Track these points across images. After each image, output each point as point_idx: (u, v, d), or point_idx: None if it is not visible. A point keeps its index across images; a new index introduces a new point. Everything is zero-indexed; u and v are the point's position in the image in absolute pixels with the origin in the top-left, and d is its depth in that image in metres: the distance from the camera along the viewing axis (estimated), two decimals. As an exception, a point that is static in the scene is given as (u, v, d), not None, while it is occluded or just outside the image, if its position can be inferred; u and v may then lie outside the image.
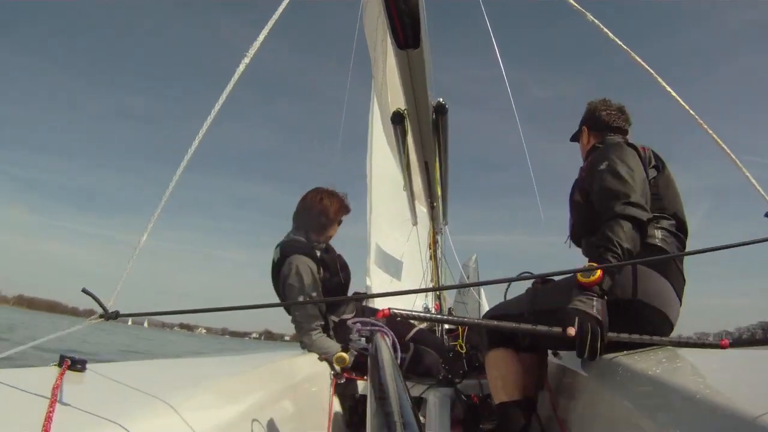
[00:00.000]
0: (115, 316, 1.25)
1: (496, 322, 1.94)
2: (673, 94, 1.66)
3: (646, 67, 1.68)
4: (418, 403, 2.75)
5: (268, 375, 2.00)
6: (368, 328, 1.60)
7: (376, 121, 6.46)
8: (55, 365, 1.17)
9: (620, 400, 1.53)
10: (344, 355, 2.67)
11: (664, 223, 1.97)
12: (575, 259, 2.28)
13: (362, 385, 2.73)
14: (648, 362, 1.63)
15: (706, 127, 1.62)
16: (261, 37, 1.46)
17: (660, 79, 1.65)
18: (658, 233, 1.93)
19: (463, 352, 3.10)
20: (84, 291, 1.25)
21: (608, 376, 1.78)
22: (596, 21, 1.68)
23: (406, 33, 1.66)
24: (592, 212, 1.99)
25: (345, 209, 3.08)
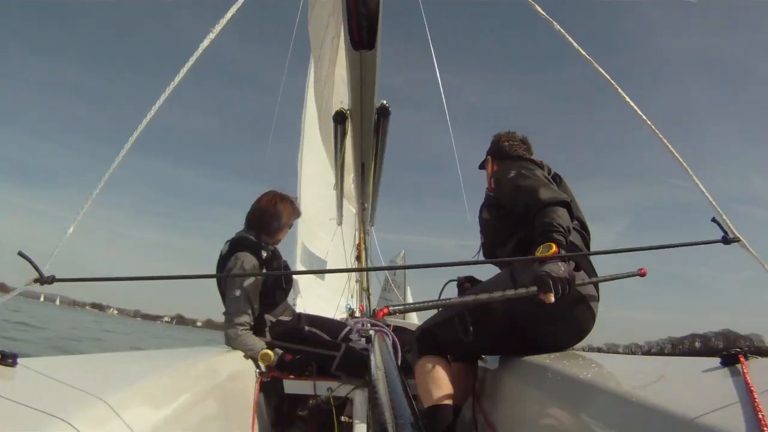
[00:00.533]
0: (51, 280, 1.22)
1: (474, 297, 1.99)
2: (629, 101, 1.75)
3: (604, 73, 1.74)
4: (344, 403, 2.75)
5: (195, 373, 1.97)
6: (368, 328, 1.60)
7: (308, 120, 6.40)
8: None
9: (546, 401, 1.62)
10: (269, 352, 2.64)
11: (575, 224, 2.14)
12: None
13: (288, 384, 2.71)
14: (573, 365, 1.74)
15: (661, 136, 1.72)
16: (217, 29, 1.43)
17: (618, 88, 1.73)
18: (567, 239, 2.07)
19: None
20: (20, 254, 1.23)
21: (532, 378, 1.88)
22: (562, 30, 1.74)
23: (362, 34, 1.66)
24: (503, 224, 2.21)
25: (296, 213, 3.16)
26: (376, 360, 1.18)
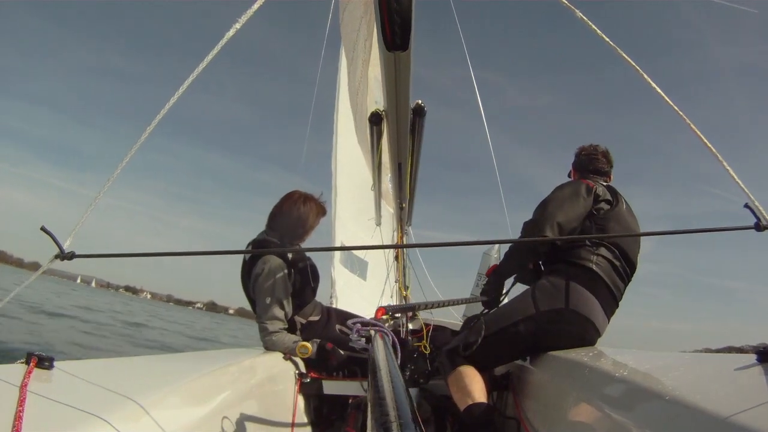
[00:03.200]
0: (71, 256, 1.23)
1: (465, 299, 2.78)
2: (663, 95, 1.70)
3: (636, 66, 1.70)
4: None
5: (233, 375, 2.01)
6: (368, 328, 1.63)
7: (341, 119, 6.44)
8: (22, 362, 1.16)
9: (581, 398, 1.62)
10: (306, 344, 2.66)
11: (603, 251, 2.28)
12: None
13: (327, 385, 2.73)
14: (608, 362, 1.72)
15: (694, 127, 1.66)
16: (250, 12, 1.47)
17: (650, 80, 1.68)
18: (593, 258, 2.26)
19: (427, 352, 3.14)
20: (42, 229, 1.23)
21: (567, 375, 1.87)
22: (584, 18, 1.71)
23: (395, 35, 1.63)
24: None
25: (321, 212, 3.08)
26: (376, 360, 1.20)
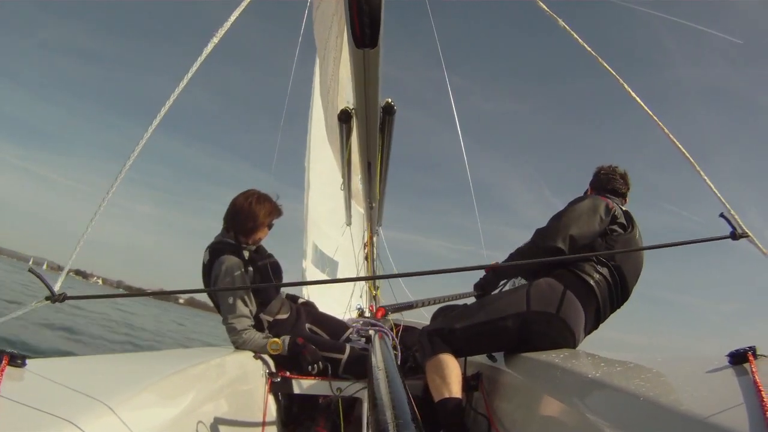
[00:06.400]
0: (62, 299, 1.21)
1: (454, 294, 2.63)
2: (642, 103, 1.73)
3: (615, 74, 1.72)
4: (353, 403, 2.75)
5: (203, 374, 1.98)
6: (368, 328, 1.60)
7: (315, 119, 6.40)
8: None
9: (552, 398, 1.62)
10: (277, 340, 2.65)
11: (603, 270, 2.33)
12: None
13: (297, 384, 2.72)
14: (580, 363, 1.72)
15: (667, 131, 1.70)
16: (232, 18, 1.44)
17: (629, 89, 1.71)
18: (596, 275, 2.31)
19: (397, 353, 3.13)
20: (31, 271, 1.22)
21: (538, 375, 1.88)
22: (567, 27, 1.73)
23: (364, 32, 1.64)
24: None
25: (275, 213, 3.06)
26: (376, 360, 1.18)
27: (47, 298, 1.20)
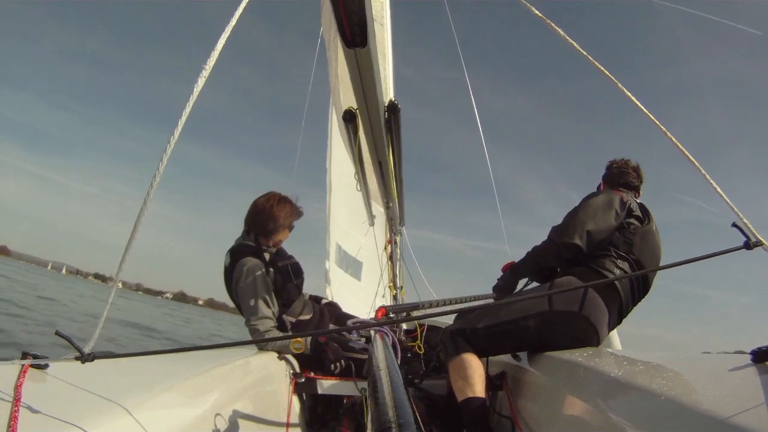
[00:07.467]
0: (92, 358, 1.20)
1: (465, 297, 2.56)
2: (645, 110, 1.69)
3: (608, 73, 1.68)
4: None
5: (227, 374, 2.00)
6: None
7: (334, 118, 6.39)
8: (16, 362, 1.17)
9: (576, 398, 1.60)
10: (299, 339, 2.67)
11: (624, 265, 2.30)
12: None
13: (321, 385, 2.73)
14: (603, 362, 1.69)
15: (675, 140, 1.64)
16: (234, 19, 1.42)
17: (623, 89, 1.66)
18: (616, 271, 2.28)
19: (421, 352, 3.11)
20: (57, 334, 1.21)
21: (562, 375, 1.85)
22: (567, 37, 1.69)
23: (353, 31, 1.62)
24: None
25: (296, 215, 3.08)
26: (376, 360, 1.17)
27: (77, 358, 1.20)
